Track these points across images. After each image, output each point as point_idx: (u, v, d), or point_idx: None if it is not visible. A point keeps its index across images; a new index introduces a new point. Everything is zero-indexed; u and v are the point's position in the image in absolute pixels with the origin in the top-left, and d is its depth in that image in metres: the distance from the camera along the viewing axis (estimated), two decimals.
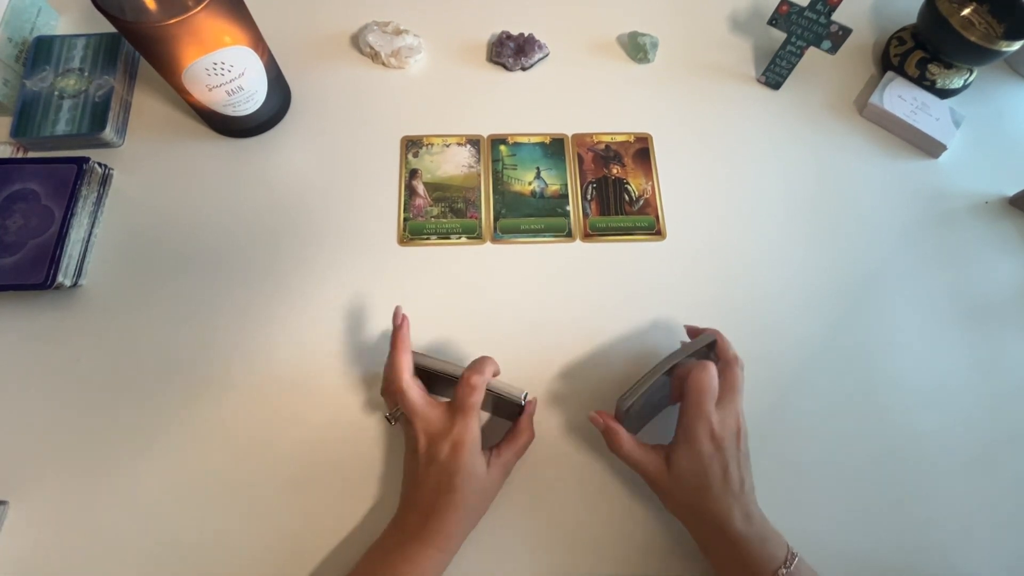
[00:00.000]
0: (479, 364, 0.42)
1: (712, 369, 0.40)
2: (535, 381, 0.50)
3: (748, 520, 0.39)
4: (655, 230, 0.56)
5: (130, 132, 0.58)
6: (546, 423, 0.49)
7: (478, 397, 0.41)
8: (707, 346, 0.45)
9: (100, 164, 0.54)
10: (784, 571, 0.37)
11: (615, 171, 0.59)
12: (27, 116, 0.55)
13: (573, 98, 0.62)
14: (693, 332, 0.48)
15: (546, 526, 0.46)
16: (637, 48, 0.64)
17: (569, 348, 0.51)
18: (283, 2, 0.65)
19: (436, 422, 0.41)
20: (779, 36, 0.60)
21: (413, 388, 0.42)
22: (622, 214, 0.57)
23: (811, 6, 0.57)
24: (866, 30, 0.68)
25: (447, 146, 0.59)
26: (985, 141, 0.62)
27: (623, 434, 0.43)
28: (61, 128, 0.55)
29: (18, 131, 0.55)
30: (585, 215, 0.57)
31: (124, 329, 0.51)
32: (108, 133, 0.55)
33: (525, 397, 0.43)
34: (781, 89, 0.63)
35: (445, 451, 0.40)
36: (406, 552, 0.39)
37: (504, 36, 0.63)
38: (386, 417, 0.44)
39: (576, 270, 0.54)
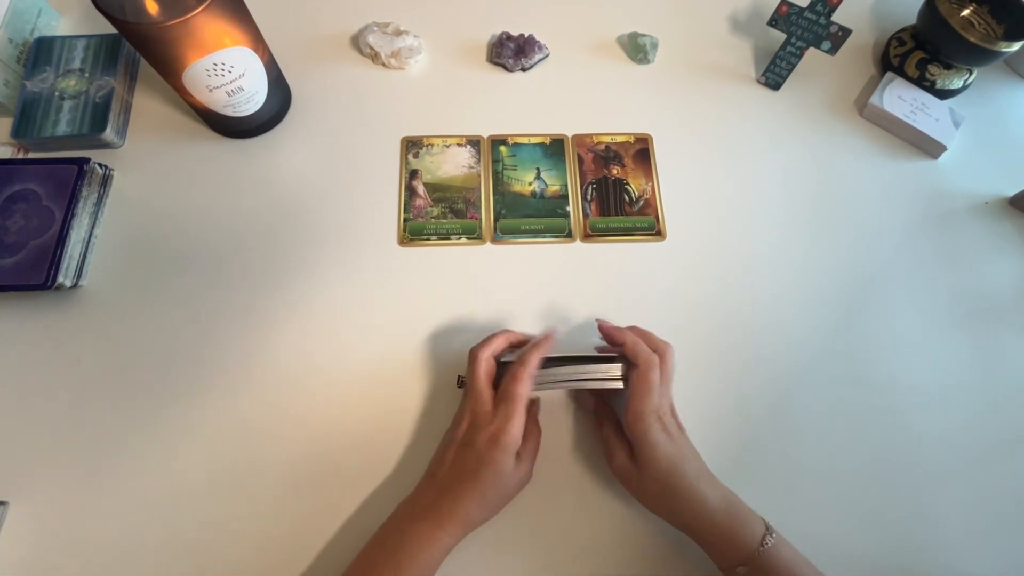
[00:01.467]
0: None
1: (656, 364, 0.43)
2: None
3: (717, 492, 0.40)
4: (655, 230, 0.56)
5: (130, 133, 0.58)
6: (545, 424, 0.49)
7: (522, 388, 0.41)
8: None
9: (100, 165, 0.54)
10: (770, 540, 0.38)
11: (615, 171, 0.59)
12: (28, 117, 0.55)
13: (573, 98, 0.62)
14: (607, 330, 0.46)
15: (545, 528, 0.46)
16: (637, 48, 0.64)
17: (569, 348, 0.51)
18: (283, 2, 0.65)
19: (485, 408, 0.42)
20: (779, 36, 0.60)
21: (485, 363, 0.43)
22: (622, 214, 0.57)
23: (811, 7, 0.57)
24: (866, 30, 0.68)
25: (447, 147, 0.59)
26: (985, 141, 0.62)
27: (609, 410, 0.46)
28: (62, 129, 0.55)
29: (19, 132, 0.55)
30: (585, 215, 0.57)
31: (124, 330, 0.51)
32: (108, 134, 0.55)
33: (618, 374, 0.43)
34: (781, 89, 0.63)
35: (483, 441, 0.40)
36: (414, 530, 0.39)
37: (504, 37, 0.63)
38: (459, 377, 0.47)
39: (576, 271, 0.54)
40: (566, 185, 0.58)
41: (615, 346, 0.45)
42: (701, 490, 0.40)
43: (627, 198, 0.58)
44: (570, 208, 0.57)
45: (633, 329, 0.45)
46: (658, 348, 0.43)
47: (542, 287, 0.54)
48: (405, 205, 0.56)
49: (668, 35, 0.65)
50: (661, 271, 0.55)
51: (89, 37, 0.60)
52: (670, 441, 0.41)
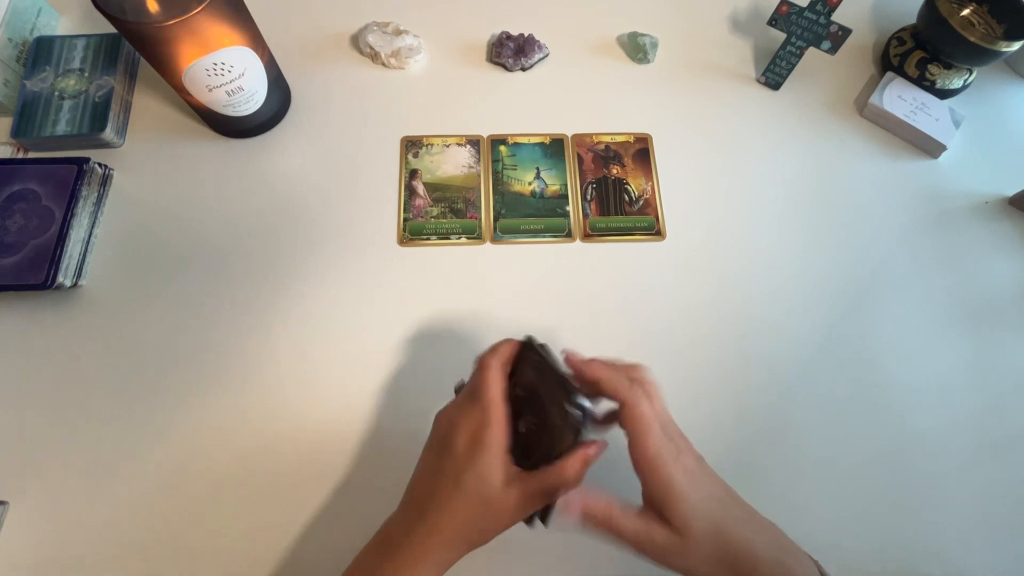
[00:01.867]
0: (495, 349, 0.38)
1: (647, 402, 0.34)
2: None
3: (765, 535, 0.33)
4: (655, 230, 0.56)
5: (130, 132, 0.58)
6: None
7: (492, 378, 0.36)
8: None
9: (100, 164, 0.54)
10: None
11: (615, 171, 0.59)
12: (27, 116, 0.55)
13: (573, 98, 0.62)
14: (575, 365, 0.37)
15: (543, 528, 0.46)
16: (637, 48, 0.64)
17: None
18: (283, 2, 0.65)
19: (465, 406, 0.37)
20: (779, 36, 0.60)
21: (498, 369, 0.37)
22: (622, 214, 0.57)
23: (811, 6, 0.57)
24: (866, 30, 0.68)
25: (447, 146, 0.59)
26: (985, 141, 0.62)
27: (608, 507, 0.33)
28: (61, 128, 0.55)
29: (18, 131, 0.55)
30: (585, 215, 0.57)
31: (124, 329, 0.51)
32: (108, 133, 0.55)
33: (584, 411, 0.34)
34: (781, 89, 0.63)
35: (462, 443, 0.35)
36: (392, 570, 0.34)
37: (504, 36, 0.63)
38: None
39: (576, 270, 0.54)
40: (566, 185, 0.58)
41: (587, 384, 0.36)
42: (752, 543, 0.32)
43: (627, 198, 0.58)
44: (570, 208, 0.57)
45: (598, 361, 0.37)
46: (632, 375, 0.36)
47: (542, 287, 0.54)
48: (405, 205, 0.56)
49: (668, 35, 0.65)
50: (661, 271, 0.55)
51: (89, 37, 0.60)
52: (696, 484, 0.33)
